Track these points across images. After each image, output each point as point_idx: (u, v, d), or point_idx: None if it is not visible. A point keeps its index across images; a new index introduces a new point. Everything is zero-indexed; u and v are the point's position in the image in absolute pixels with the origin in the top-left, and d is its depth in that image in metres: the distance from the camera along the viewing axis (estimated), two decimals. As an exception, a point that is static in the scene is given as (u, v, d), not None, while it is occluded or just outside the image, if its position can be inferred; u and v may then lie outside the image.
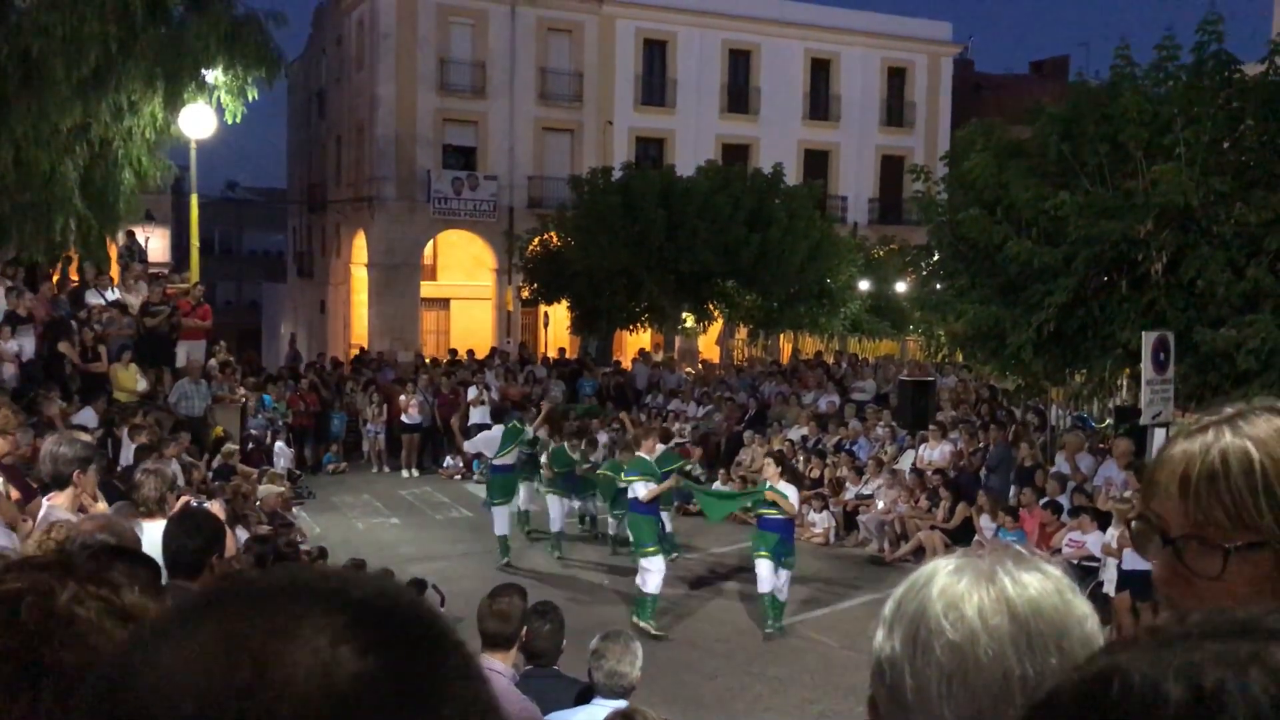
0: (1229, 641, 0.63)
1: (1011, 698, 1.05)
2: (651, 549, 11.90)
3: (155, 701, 0.63)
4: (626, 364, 29.71)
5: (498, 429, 15.39)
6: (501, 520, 14.80)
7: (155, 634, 0.67)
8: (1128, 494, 13.28)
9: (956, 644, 1.08)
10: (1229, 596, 1.25)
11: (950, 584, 1.13)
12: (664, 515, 13.12)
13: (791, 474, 12.80)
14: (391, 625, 0.69)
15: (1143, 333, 13.70)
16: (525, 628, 4.78)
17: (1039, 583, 1.13)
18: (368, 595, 0.71)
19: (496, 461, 15.06)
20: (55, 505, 5.43)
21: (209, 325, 19.10)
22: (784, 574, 11.97)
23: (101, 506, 5.82)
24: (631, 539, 12.42)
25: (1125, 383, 16.70)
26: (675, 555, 13.59)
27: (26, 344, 15.29)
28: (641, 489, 12.03)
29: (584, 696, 4.91)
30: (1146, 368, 13.55)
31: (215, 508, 7.66)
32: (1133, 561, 11.88)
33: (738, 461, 19.56)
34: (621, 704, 4.69)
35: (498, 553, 14.73)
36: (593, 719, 4.46)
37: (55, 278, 18.95)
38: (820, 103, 39.66)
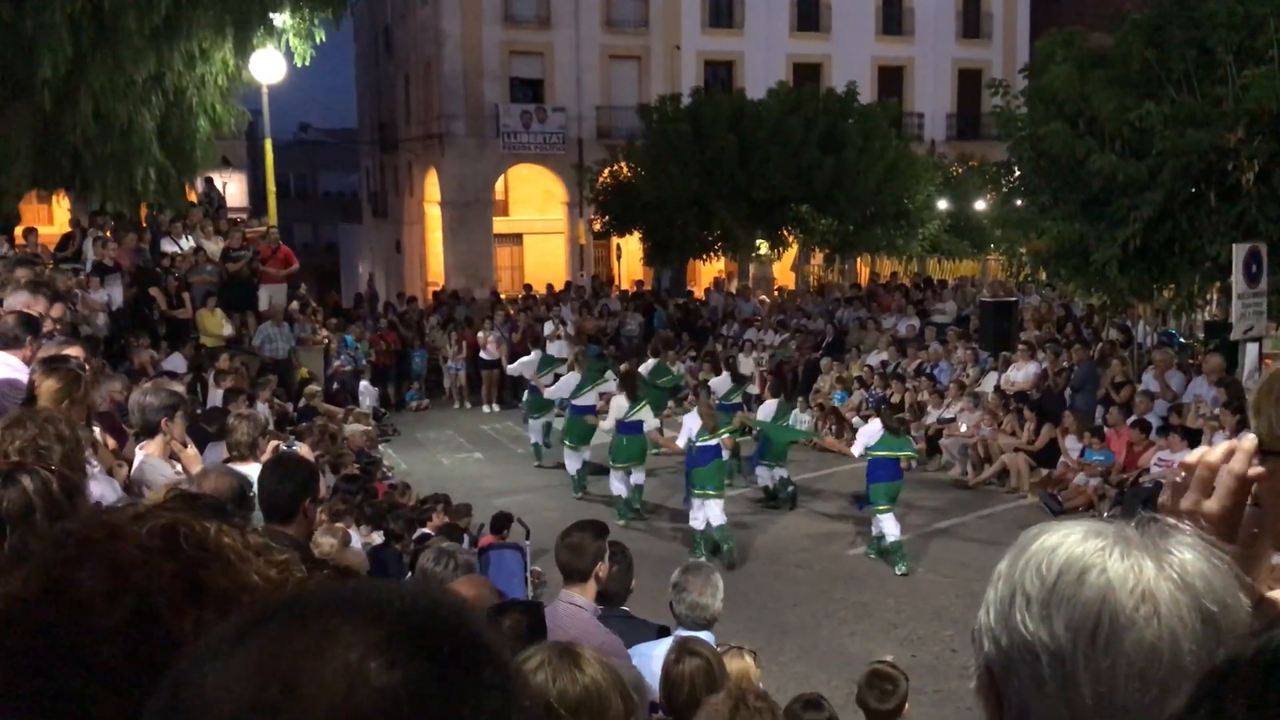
0: None
1: None
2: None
3: (200, 718, 0.68)
4: (700, 294, 29.60)
5: (535, 354, 17.79)
6: (537, 431, 17.00)
7: (205, 652, 0.73)
8: (1218, 411, 12.98)
9: (1154, 643, 1.01)
10: (1268, 502, 1.33)
11: (1130, 570, 1.04)
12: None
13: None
14: (426, 638, 0.72)
15: (1233, 245, 13.30)
16: (602, 564, 4.81)
17: (1216, 572, 1.04)
18: (408, 608, 0.74)
19: (534, 383, 16.97)
20: (148, 454, 5.60)
21: (295, 267, 19.31)
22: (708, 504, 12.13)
23: (192, 451, 5.98)
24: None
25: (1215, 297, 16.24)
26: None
27: (115, 293, 15.68)
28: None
29: (663, 634, 4.95)
30: (1238, 281, 13.17)
31: (304, 450, 7.85)
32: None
33: (815, 389, 19.45)
34: (707, 635, 4.74)
35: (534, 455, 17.03)
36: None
37: (143, 226, 19.34)
38: (893, 16, 38.60)
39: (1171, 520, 1.10)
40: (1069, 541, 1.08)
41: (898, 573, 11.52)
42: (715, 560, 10.68)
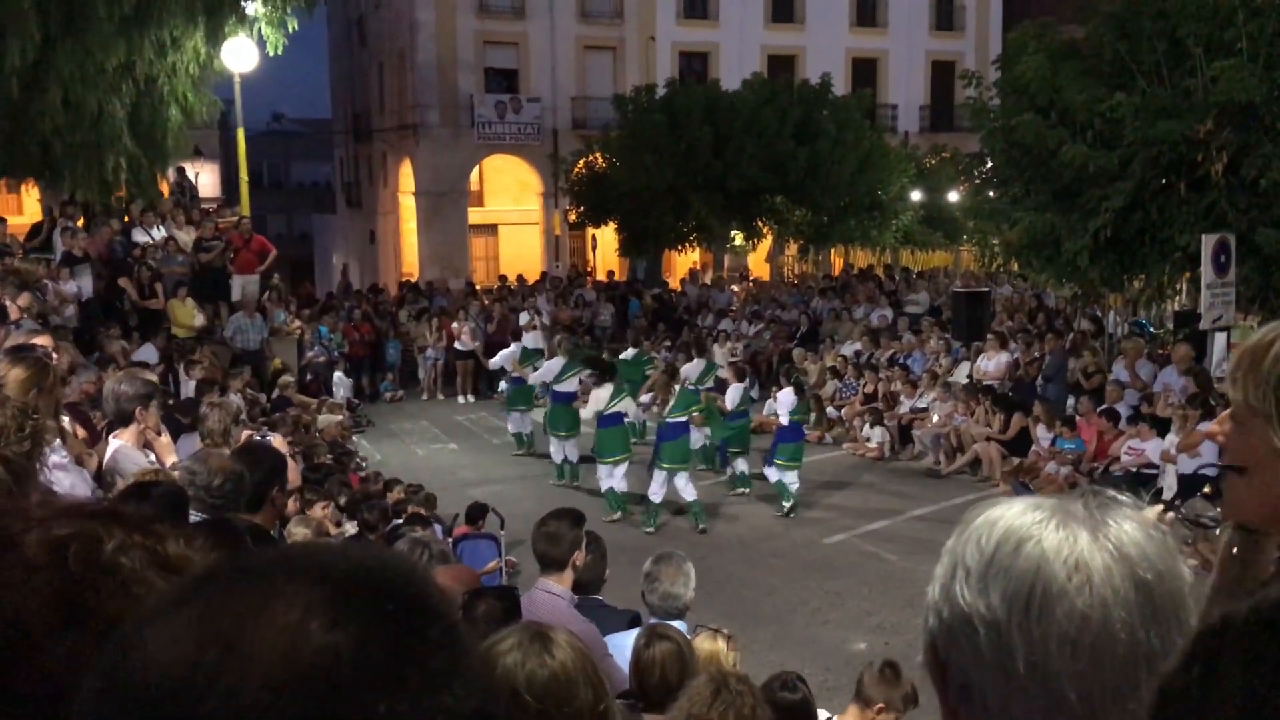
0: None
1: (1138, 669, 1.00)
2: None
3: (141, 679, 0.68)
4: (676, 284, 29.61)
5: (515, 346, 17.47)
6: (516, 421, 17.05)
7: (148, 615, 0.72)
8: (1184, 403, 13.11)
9: (1085, 612, 1.01)
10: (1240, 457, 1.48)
11: (1064, 541, 1.04)
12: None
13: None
14: (370, 598, 0.71)
15: (1203, 235, 13.43)
16: (579, 552, 4.81)
17: (1152, 543, 1.05)
18: (352, 568, 0.73)
19: (515, 375, 16.80)
20: (123, 442, 5.56)
21: (274, 254, 19.21)
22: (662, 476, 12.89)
23: (165, 439, 5.94)
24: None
25: (1185, 287, 16.39)
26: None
27: (85, 284, 15.53)
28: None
29: (634, 623, 4.97)
30: (1207, 271, 13.30)
31: (278, 441, 7.81)
32: (1185, 465, 11.85)
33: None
34: (680, 624, 4.76)
35: (514, 444, 17.06)
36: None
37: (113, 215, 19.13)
38: (867, 8, 38.70)
39: (1112, 492, 1.12)
40: (1009, 515, 1.09)
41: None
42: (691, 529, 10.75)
